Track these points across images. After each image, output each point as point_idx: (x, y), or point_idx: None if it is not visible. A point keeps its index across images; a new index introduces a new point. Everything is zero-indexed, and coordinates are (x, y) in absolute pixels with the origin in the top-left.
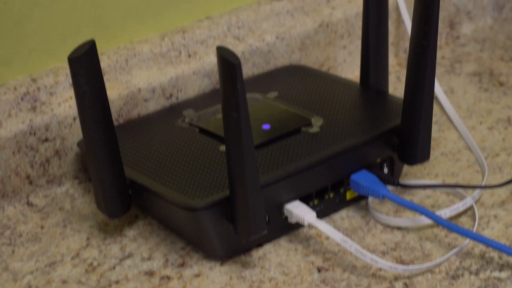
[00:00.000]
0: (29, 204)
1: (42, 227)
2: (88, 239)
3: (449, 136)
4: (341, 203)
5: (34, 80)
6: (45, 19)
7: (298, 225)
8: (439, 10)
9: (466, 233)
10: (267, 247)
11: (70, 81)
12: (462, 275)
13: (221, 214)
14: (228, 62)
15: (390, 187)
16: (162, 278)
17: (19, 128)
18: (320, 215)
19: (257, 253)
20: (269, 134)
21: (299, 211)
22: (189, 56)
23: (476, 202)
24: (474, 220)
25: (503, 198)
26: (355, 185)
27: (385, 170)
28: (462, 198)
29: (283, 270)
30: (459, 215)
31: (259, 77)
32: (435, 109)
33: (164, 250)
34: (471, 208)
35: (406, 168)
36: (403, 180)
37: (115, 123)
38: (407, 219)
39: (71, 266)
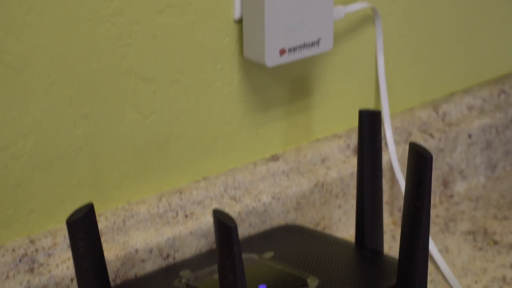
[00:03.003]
0: None
1: None
2: None
3: None
4: None
5: (32, 242)
6: (44, 182)
7: None
8: (432, 172)
9: None
10: None
11: (68, 242)
12: None
13: None
14: (224, 225)
15: None
16: None
17: None
18: None
19: None
20: None
21: None
22: (186, 216)
23: None
24: None
25: None
26: None
27: None
28: None
29: None
30: None
31: (255, 237)
32: (430, 268)
33: None
34: None
35: None
36: None
37: (112, 283)
38: None
39: None
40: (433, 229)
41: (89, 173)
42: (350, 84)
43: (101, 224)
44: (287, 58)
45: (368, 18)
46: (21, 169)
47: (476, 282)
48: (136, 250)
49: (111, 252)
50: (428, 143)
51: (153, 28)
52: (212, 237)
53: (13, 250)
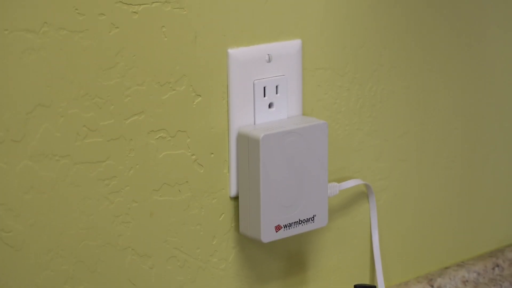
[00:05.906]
0: None
1: None
2: None
3: None
4: None
5: None
6: None
7: None
8: None
9: None
10: None
11: None
12: None
13: None
14: None
15: None
16: None
17: None
18: None
19: None
20: None
21: None
22: None
23: None
24: None
25: None
26: None
27: None
28: None
29: None
30: None
31: None
32: None
33: None
34: None
35: None
36: None
37: None
38: None
39: None
40: None
41: None
42: (345, 259)
43: None
44: (283, 234)
45: (362, 194)
46: None
47: None
48: None
49: None
50: None
51: (150, 206)
52: None
53: None
